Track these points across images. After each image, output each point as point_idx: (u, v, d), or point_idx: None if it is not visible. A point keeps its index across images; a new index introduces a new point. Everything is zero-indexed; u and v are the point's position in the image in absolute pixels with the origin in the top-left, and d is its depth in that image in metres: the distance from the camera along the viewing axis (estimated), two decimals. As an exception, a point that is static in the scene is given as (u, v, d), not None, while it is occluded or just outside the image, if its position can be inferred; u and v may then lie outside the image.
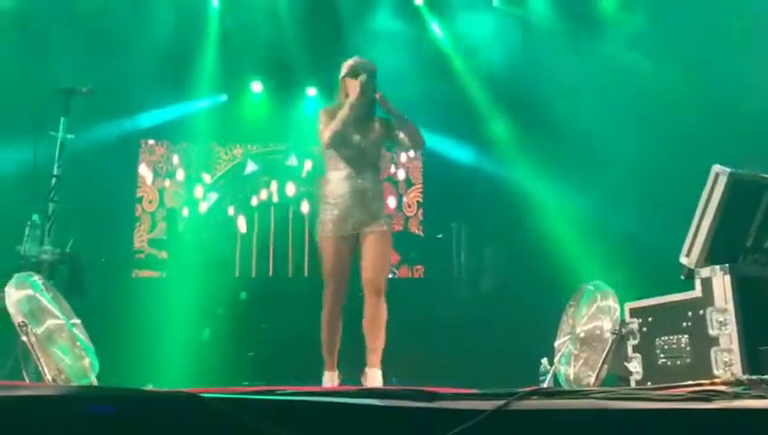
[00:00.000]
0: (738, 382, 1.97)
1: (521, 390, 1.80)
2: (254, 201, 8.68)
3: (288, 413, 1.59)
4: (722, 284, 2.38)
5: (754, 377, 1.99)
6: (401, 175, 9.15)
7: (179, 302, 7.03)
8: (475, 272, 7.45)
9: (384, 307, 3.74)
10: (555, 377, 3.13)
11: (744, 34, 6.18)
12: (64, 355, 2.50)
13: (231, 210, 8.64)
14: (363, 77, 3.74)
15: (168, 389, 1.74)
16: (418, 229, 8.89)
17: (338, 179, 3.78)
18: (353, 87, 3.78)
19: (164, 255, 8.22)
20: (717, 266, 2.42)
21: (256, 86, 8.68)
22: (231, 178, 8.78)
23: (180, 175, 8.69)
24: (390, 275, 8.30)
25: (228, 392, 1.68)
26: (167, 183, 8.63)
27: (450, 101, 7.88)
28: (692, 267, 2.50)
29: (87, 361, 2.60)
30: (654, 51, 6.43)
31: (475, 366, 5.56)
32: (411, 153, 9.04)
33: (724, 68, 5.93)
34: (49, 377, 2.33)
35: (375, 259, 3.74)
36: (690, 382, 1.99)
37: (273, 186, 8.75)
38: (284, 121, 8.59)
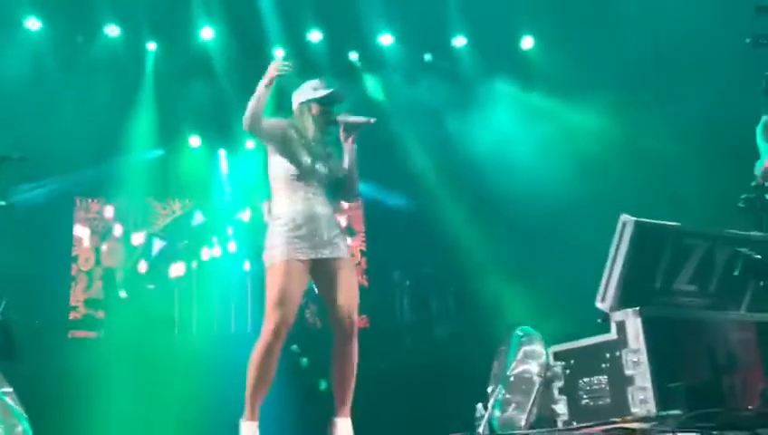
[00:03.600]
0: (648, 419, 2.10)
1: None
2: (205, 255, 8.68)
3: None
4: (634, 325, 2.54)
5: (663, 413, 2.13)
6: (342, 223, 9.24)
7: (117, 363, 6.92)
8: (418, 322, 7.55)
9: (356, 346, 3.40)
10: (489, 421, 3.23)
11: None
12: (-5, 425, 2.48)
13: (172, 267, 8.58)
14: (363, 120, 3.52)
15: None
16: (363, 278, 8.96)
17: (292, 202, 3.41)
18: (316, 115, 3.50)
19: (101, 314, 8.07)
20: (629, 310, 2.58)
21: (194, 141, 8.74)
22: (175, 231, 8.74)
23: (118, 231, 8.61)
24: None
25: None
26: (103, 241, 8.52)
27: (387, 152, 8.09)
28: (607, 311, 2.67)
29: (20, 429, 2.57)
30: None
31: (417, 414, 5.62)
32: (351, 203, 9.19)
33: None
34: (-21, 448, 2.31)
35: (346, 291, 3.38)
36: (603, 422, 2.12)
37: (214, 240, 8.76)
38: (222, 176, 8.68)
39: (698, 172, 5.55)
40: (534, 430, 2.34)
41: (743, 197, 3.39)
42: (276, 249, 3.34)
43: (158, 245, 8.59)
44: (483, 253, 7.12)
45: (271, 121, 3.48)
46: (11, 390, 2.65)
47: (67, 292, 8.14)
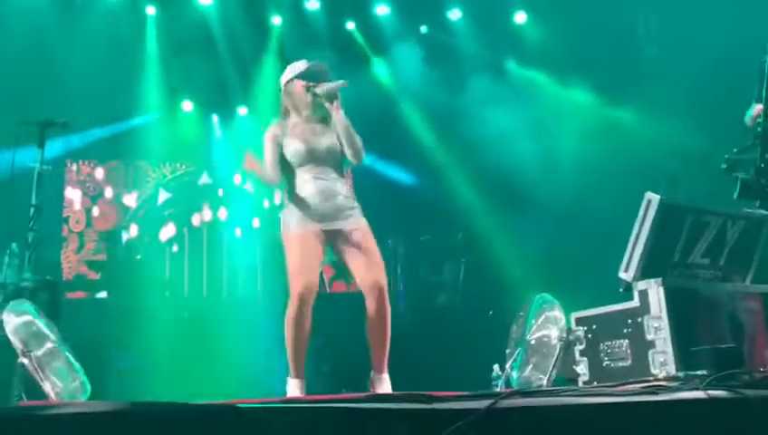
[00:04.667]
0: (675, 378, 2.34)
1: (504, 391, 2.09)
2: (196, 220, 8.77)
3: (315, 420, 1.82)
4: (656, 294, 2.77)
5: (690, 373, 2.37)
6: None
7: (112, 323, 7.01)
8: (412, 287, 7.75)
9: (389, 308, 3.60)
10: (507, 381, 3.45)
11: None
12: (59, 377, 2.61)
13: (163, 230, 8.66)
14: (335, 84, 3.62)
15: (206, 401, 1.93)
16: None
17: (303, 181, 3.64)
18: (300, 92, 3.68)
19: (93, 275, 8.17)
20: (652, 280, 2.81)
21: (187, 105, 8.76)
22: (179, 188, 8.83)
23: (108, 193, 8.65)
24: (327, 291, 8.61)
25: (258, 402, 1.89)
26: (94, 203, 8.57)
27: (383, 119, 8.21)
28: (630, 281, 2.89)
29: (77, 383, 2.71)
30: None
31: (424, 376, 5.83)
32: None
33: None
34: (53, 397, 2.45)
35: (368, 257, 3.56)
36: (639, 379, 2.35)
37: (204, 206, 8.87)
38: (213, 141, 8.77)
39: (699, 151, 5.76)
40: (568, 387, 2.56)
41: (726, 157, 3.48)
42: (291, 226, 3.62)
43: (162, 196, 8.69)
44: (481, 222, 7.33)
45: (275, 158, 3.71)
46: (68, 345, 2.78)
47: (58, 253, 8.20)
